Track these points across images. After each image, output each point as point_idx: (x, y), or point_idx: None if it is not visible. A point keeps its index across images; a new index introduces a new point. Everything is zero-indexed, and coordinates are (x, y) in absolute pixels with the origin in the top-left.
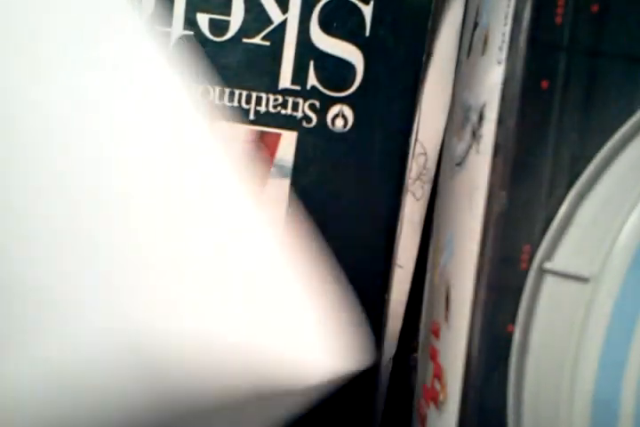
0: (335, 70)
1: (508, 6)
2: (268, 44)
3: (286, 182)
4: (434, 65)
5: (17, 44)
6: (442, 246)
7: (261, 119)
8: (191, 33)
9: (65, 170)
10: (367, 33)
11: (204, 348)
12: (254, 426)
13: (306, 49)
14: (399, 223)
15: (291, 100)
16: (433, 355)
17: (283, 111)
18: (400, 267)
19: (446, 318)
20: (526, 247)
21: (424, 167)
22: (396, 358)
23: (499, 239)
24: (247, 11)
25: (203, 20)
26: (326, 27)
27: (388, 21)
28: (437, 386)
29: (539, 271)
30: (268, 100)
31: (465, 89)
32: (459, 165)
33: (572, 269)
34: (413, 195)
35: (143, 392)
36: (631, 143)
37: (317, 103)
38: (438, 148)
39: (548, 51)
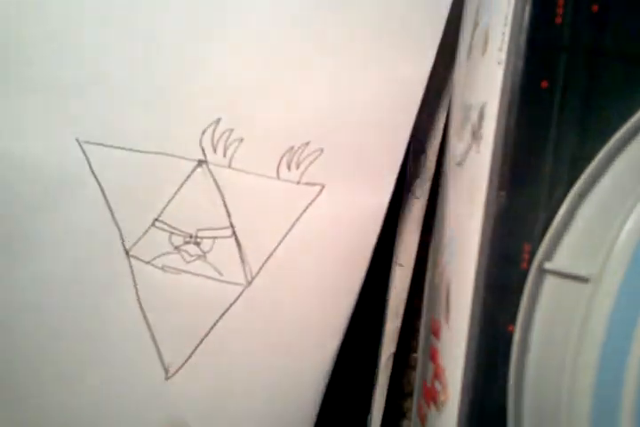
0: None
1: (508, 6)
2: None
3: None
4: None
5: None
6: (442, 246)
7: None
8: None
9: None
10: None
11: None
12: None
13: None
14: (400, 222)
15: None
16: (433, 355)
17: None
18: (400, 265)
19: (446, 318)
20: (526, 247)
21: (423, 166)
22: (396, 357)
23: (499, 239)
24: None
25: None
26: None
27: None
28: (437, 386)
29: (539, 271)
30: None
31: (465, 89)
32: (459, 164)
33: (572, 270)
34: (413, 193)
35: None
36: (631, 143)
37: None
38: (438, 146)
39: (548, 51)
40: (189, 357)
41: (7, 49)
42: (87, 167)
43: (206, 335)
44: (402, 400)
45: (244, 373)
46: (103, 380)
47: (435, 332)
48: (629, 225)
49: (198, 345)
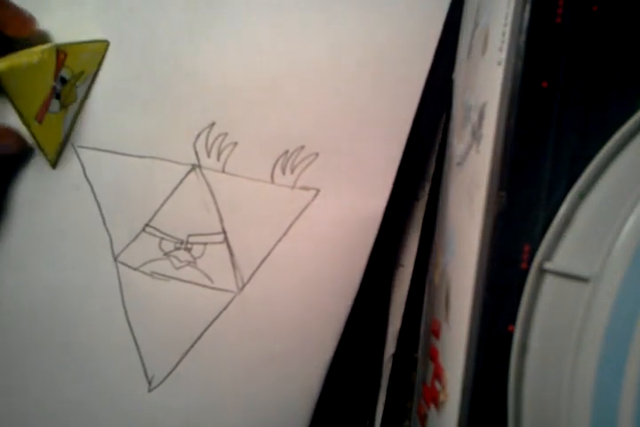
0: None
1: (508, 6)
2: None
3: None
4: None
5: None
6: (443, 246)
7: None
8: None
9: None
10: None
11: None
12: None
13: None
14: (400, 223)
15: None
16: (433, 355)
17: None
18: (402, 266)
19: (446, 318)
20: (526, 247)
21: (423, 166)
22: (397, 356)
23: (499, 239)
24: None
25: None
26: None
27: None
28: (437, 386)
29: (539, 271)
30: None
31: (465, 89)
32: (459, 164)
33: (572, 269)
34: (413, 194)
35: None
36: (631, 143)
37: None
38: (438, 146)
39: (548, 51)
40: (174, 367)
41: None
42: (81, 172)
43: (193, 345)
44: (403, 401)
45: (233, 383)
46: (84, 391)
47: (435, 332)
48: (629, 225)
49: (184, 355)
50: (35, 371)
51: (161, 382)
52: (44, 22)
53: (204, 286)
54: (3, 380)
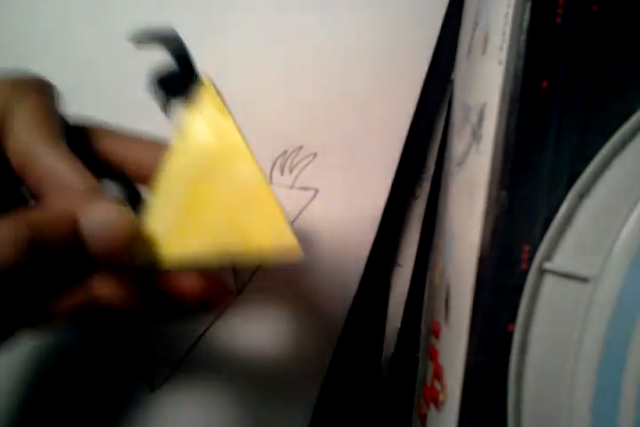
0: None
1: (508, 6)
2: None
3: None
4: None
5: None
6: (442, 246)
7: None
8: None
9: None
10: None
11: None
12: None
13: None
14: (399, 222)
15: None
16: (433, 355)
17: None
18: (400, 266)
19: (446, 318)
20: (526, 247)
21: (423, 166)
22: (397, 356)
23: (499, 239)
24: None
25: None
26: None
27: None
28: (437, 386)
29: (539, 271)
30: None
31: (465, 89)
32: (459, 164)
33: (571, 269)
34: (413, 193)
35: None
36: (631, 143)
37: None
38: (438, 146)
39: (548, 51)
40: (176, 368)
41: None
42: None
43: (195, 345)
44: (403, 399)
45: (233, 382)
46: (86, 392)
47: (435, 332)
48: (629, 225)
49: (186, 355)
50: (35, 375)
51: (163, 383)
52: (37, 24)
53: None
54: (10, 381)
